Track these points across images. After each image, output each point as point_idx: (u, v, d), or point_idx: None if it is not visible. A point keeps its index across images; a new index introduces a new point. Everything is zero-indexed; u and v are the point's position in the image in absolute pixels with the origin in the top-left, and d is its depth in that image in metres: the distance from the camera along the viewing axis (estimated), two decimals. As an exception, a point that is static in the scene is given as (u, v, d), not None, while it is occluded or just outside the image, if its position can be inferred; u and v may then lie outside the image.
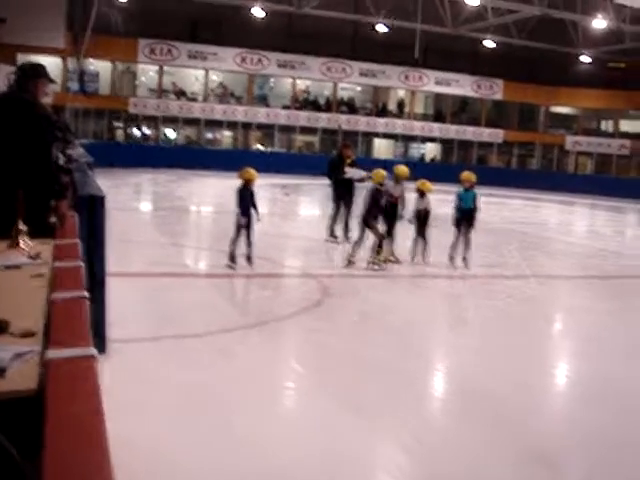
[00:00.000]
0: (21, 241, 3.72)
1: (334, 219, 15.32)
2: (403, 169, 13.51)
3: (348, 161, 15.48)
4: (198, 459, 4.82)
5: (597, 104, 45.37)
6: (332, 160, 16.24)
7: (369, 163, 41.49)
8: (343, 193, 15.19)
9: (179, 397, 5.96)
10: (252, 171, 11.52)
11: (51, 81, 5.59)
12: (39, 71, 5.43)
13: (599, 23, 33.64)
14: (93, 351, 2.00)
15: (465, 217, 13.19)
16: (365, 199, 12.56)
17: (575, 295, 12.63)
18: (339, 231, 15.25)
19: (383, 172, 12.71)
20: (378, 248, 12.51)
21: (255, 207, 11.51)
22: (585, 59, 41.10)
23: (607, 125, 48.09)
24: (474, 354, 8.28)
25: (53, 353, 1.95)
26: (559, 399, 7.26)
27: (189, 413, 5.64)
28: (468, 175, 13.46)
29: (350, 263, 12.61)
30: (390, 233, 13.13)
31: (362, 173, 15.04)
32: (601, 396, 6.94)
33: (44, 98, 5.59)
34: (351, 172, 15.09)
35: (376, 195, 12.46)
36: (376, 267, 12.42)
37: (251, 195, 11.47)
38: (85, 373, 1.86)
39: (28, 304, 2.60)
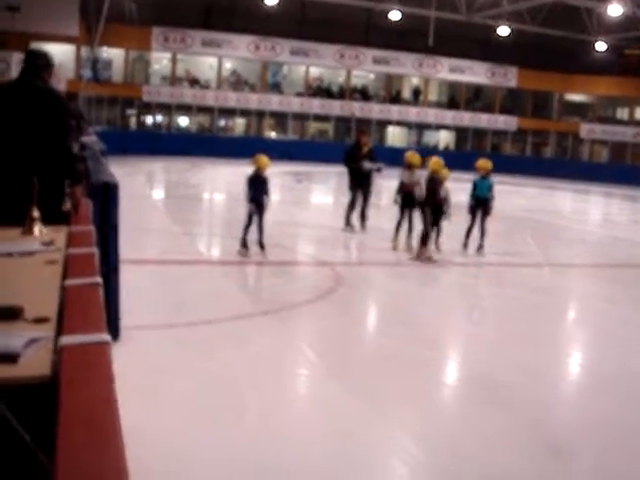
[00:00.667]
0: (35, 228, 3.73)
1: (351, 208, 15.25)
2: (415, 156, 13.45)
3: (365, 148, 15.35)
4: (211, 445, 4.83)
5: (612, 91, 45.08)
6: (349, 148, 16.15)
7: (383, 151, 41.54)
8: (360, 182, 15.11)
9: (192, 384, 5.98)
10: (265, 158, 11.49)
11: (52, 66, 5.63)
12: (48, 58, 5.45)
13: (614, 10, 33.35)
14: (107, 337, 2.00)
15: (480, 205, 13.17)
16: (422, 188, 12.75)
17: (589, 283, 12.58)
18: (355, 220, 15.19)
19: (440, 160, 12.76)
20: (424, 240, 12.55)
21: (267, 194, 11.50)
22: (600, 46, 40.76)
23: (622, 113, 47.75)
24: (487, 342, 8.27)
25: (67, 339, 1.95)
26: (571, 387, 7.24)
27: (202, 399, 5.65)
28: (484, 163, 13.43)
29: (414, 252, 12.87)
30: (410, 222, 13.14)
31: (378, 163, 15.03)
32: (613, 384, 6.94)
33: (57, 85, 5.61)
34: (368, 165, 15.04)
35: (433, 184, 12.56)
36: (426, 259, 12.41)
37: (263, 182, 11.45)
38: (99, 359, 1.86)
39: (42, 290, 2.60)
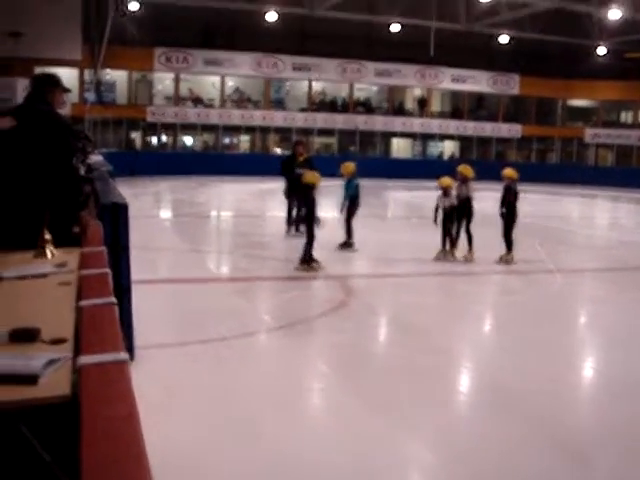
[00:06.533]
0: (47, 250, 3.75)
1: (290, 215, 15.88)
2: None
3: (300, 158, 15.86)
4: (229, 461, 4.83)
5: (615, 95, 44.99)
6: (285, 158, 16.85)
7: (387, 163, 41.49)
8: (294, 190, 15.49)
9: (208, 401, 5.98)
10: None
11: (66, 90, 5.59)
12: (54, 81, 5.44)
13: (614, 14, 33.38)
14: (125, 356, 2.01)
15: (351, 205, 14.09)
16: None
17: (599, 288, 12.53)
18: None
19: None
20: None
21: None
22: (601, 51, 40.77)
23: (626, 116, 47.66)
24: (500, 350, 8.25)
25: (85, 359, 1.95)
26: (586, 393, 7.21)
27: (218, 416, 5.65)
28: (344, 167, 14.28)
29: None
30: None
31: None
32: (629, 389, 6.89)
33: (61, 108, 5.61)
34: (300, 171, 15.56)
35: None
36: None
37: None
38: (118, 378, 1.86)
39: (57, 312, 2.61)
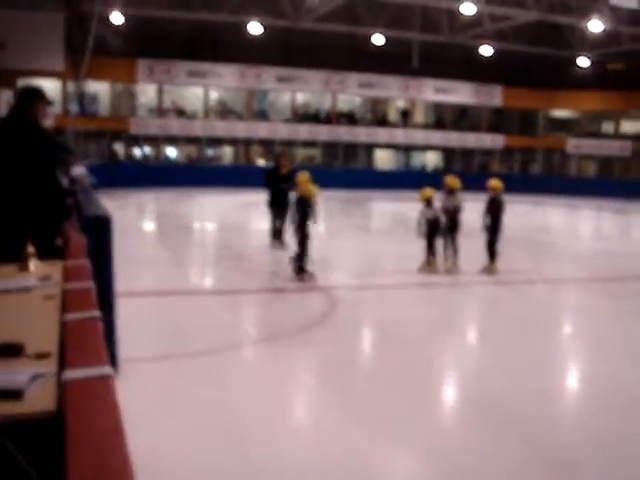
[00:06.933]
0: (31, 264, 3.73)
1: (274, 226, 15.99)
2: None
3: (284, 169, 16.05)
4: (213, 475, 4.81)
5: (597, 106, 45.31)
6: (269, 170, 16.92)
7: (370, 174, 41.53)
8: (277, 202, 15.69)
9: (193, 415, 5.95)
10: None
11: (49, 103, 5.59)
12: (38, 94, 5.44)
13: (596, 25, 33.66)
14: (109, 370, 2.01)
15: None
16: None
17: (584, 297, 12.59)
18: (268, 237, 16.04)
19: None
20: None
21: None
22: (583, 62, 41.07)
23: (608, 127, 47.97)
24: (485, 361, 8.26)
25: (70, 374, 1.95)
26: (573, 404, 7.22)
27: (204, 430, 5.62)
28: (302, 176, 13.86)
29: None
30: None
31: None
32: (614, 400, 6.91)
33: (45, 121, 5.60)
34: (284, 186, 15.69)
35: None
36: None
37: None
38: (103, 392, 1.86)
39: (41, 326, 2.60)
